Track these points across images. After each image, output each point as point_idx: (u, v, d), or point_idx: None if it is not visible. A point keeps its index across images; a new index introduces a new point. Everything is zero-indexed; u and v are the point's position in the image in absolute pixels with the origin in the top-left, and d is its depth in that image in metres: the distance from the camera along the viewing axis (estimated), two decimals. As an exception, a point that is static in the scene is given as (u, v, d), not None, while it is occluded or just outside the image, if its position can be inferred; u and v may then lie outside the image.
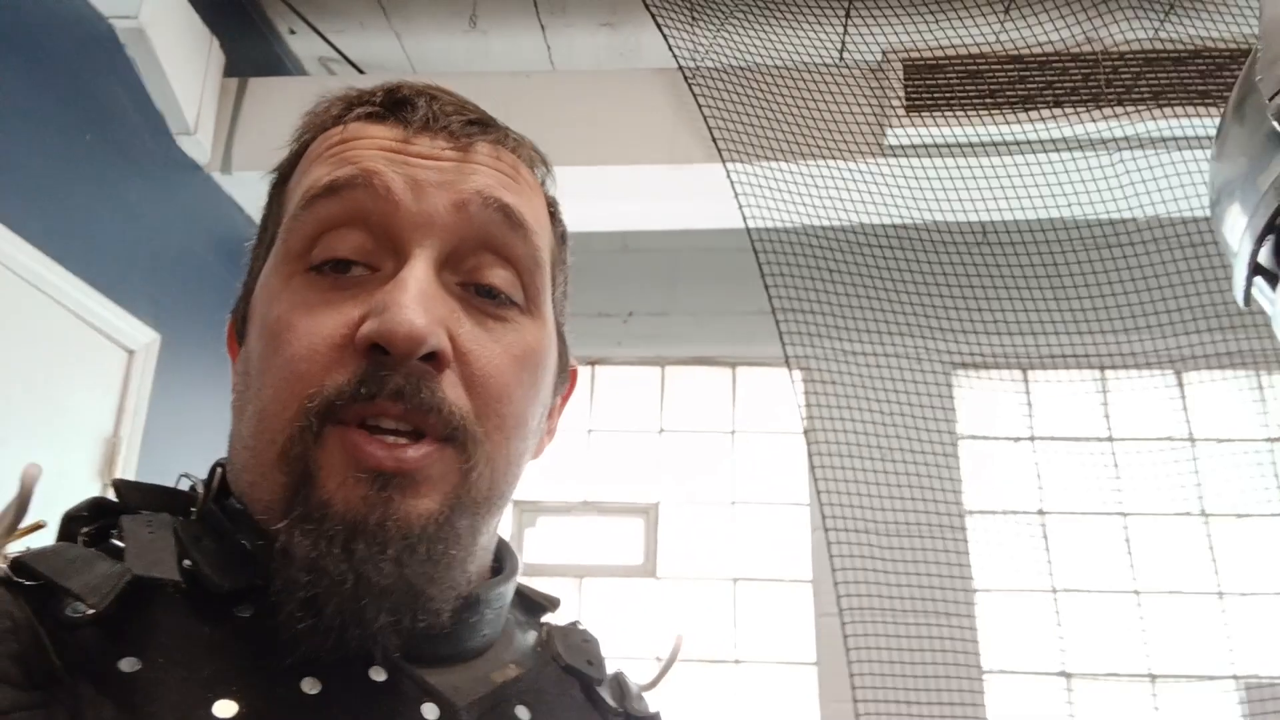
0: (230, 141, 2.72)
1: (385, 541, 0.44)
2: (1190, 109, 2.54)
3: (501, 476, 0.50)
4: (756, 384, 3.27)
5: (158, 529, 0.48)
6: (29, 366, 2.03)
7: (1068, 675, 2.82)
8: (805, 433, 2.76)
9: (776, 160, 2.58)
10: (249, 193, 2.79)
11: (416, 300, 0.46)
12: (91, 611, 0.42)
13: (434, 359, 0.47)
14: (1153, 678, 2.80)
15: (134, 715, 0.40)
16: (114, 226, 2.31)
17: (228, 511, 0.50)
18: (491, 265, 0.51)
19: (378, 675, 0.46)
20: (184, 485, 0.54)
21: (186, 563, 0.47)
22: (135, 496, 0.52)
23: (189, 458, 2.41)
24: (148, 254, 2.43)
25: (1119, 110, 2.55)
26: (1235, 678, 2.76)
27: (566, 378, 0.61)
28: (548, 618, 0.63)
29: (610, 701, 0.58)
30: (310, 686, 0.44)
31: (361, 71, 2.99)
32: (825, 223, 2.63)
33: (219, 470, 0.54)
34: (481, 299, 0.51)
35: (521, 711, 0.51)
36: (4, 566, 0.44)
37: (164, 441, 2.37)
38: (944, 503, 2.84)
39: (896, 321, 2.85)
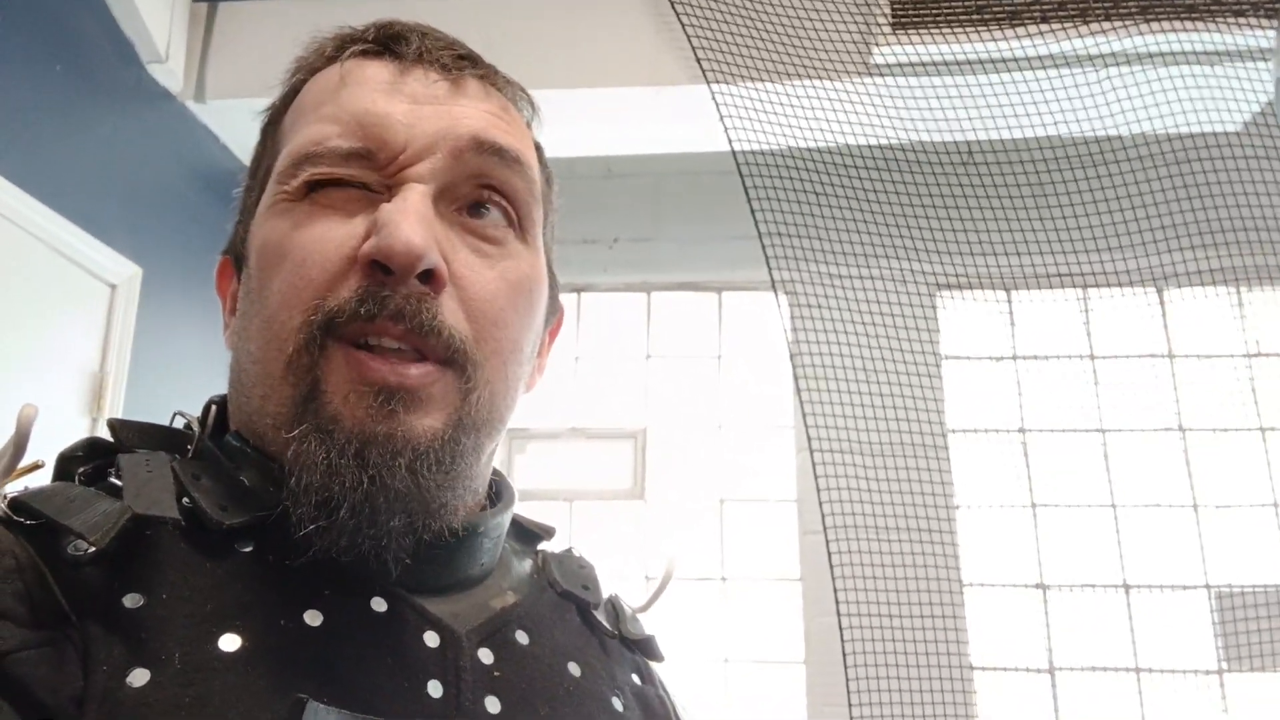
0: (203, 68, 2.66)
1: (397, 451, 0.46)
2: (1178, 23, 2.50)
3: (500, 400, 0.52)
4: (742, 309, 3.28)
5: (155, 467, 0.49)
6: (11, 304, 2.01)
7: (1044, 587, 2.90)
8: (791, 356, 2.78)
9: (761, 81, 2.54)
10: (223, 120, 2.74)
11: (414, 218, 0.47)
12: (93, 550, 0.42)
13: (431, 279, 0.48)
14: (1127, 588, 2.89)
15: (141, 650, 0.41)
16: (89, 159, 2.27)
17: (225, 448, 0.51)
18: (488, 193, 0.52)
19: (379, 605, 0.47)
20: (179, 423, 0.55)
21: (185, 500, 0.47)
22: (131, 435, 0.52)
23: (176, 390, 2.41)
24: (125, 186, 2.40)
25: (1106, 25, 2.52)
26: (1208, 586, 2.85)
27: (556, 313, 0.62)
28: (543, 545, 0.64)
29: (605, 624, 0.60)
30: (312, 619, 0.45)
31: (335, -7, 2.91)
32: (811, 144, 2.61)
33: (213, 407, 0.54)
34: (477, 223, 0.52)
35: (520, 636, 0.52)
36: (3, 506, 0.45)
37: (150, 374, 2.37)
38: (926, 422, 2.88)
39: (881, 243, 2.84)
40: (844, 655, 2.53)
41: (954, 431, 3.01)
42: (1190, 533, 2.91)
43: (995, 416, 3.07)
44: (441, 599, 0.50)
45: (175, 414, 0.55)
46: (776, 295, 2.70)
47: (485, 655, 0.49)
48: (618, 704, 0.54)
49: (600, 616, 0.60)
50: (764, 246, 2.53)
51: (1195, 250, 2.75)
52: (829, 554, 2.61)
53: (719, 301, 3.29)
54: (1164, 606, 2.87)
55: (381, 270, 0.47)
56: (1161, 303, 3.14)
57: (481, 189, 0.52)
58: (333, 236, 0.48)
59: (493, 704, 0.47)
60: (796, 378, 2.73)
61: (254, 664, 0.42)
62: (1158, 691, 2.78)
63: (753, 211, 2.50)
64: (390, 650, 0.46)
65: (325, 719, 0.41)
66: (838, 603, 2.60)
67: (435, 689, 0.46)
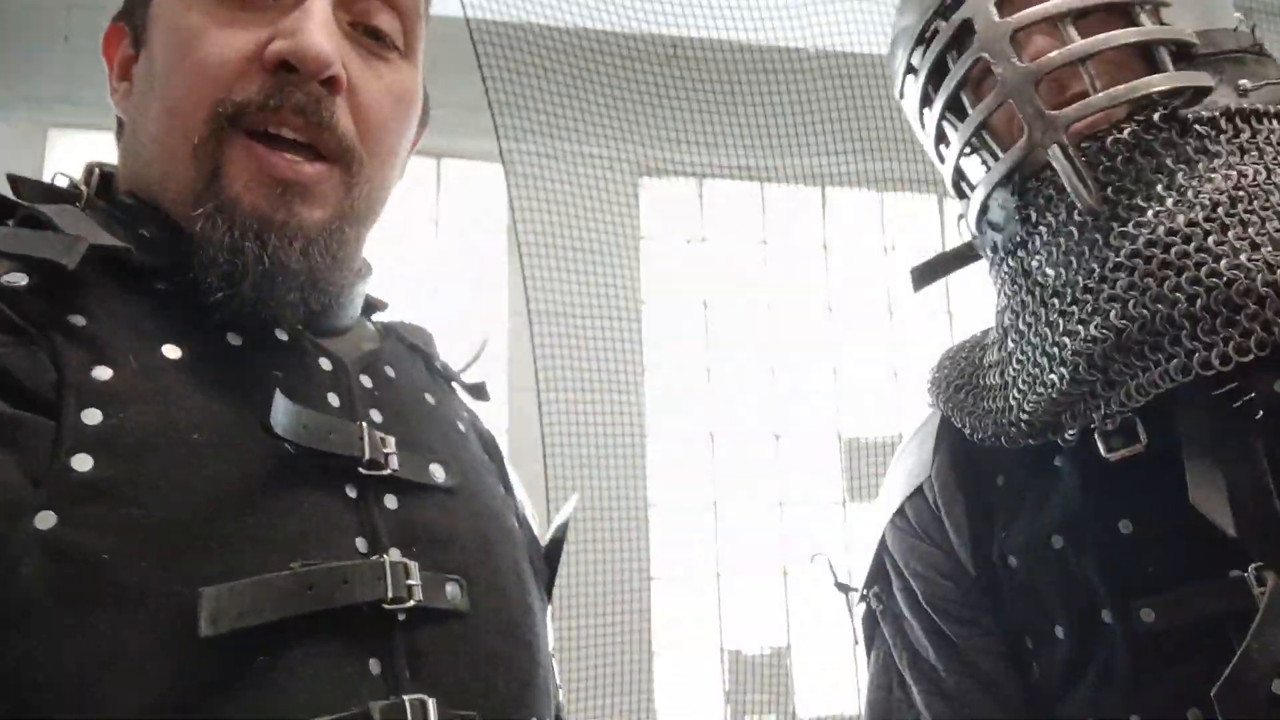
0: None
1: (291, 236, 0.55)
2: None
3: (376, 196, 0.62)
4: (461, 177, 3.35)
5: (72, 213, 0.55)
6: None
7: (713, 436, 3.39)
8: (516, 224, 2.92)
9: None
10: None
11: (323, 28, 0.55)
12: (26, 282, 0.49)
13: (332, 84, 0.56)
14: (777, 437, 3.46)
15: (100, 355, 0.49)
16: None
17: (120, 205, 0.59)
18: (379, 10, 0.60)
19: (281, 335, 0.58)
20: (61, 182, 0.61)
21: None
22: (31, 190, 0.59)
23: None
24: None
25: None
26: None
27: (425, 124, 0.71)
28: (378, 316, 0.76)
29: (443, 372, 0.74)
30: (234, 339, 0.56)
31: None
32: (540, 20, 2.71)
33: (96, 170, 0.62)
34: (369, 39, 0.60)
35: (389, 370, 0.65)
36: None
37: None
38: (625, 290, 3.19)
39: (593, 128, 3.04)
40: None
41: (645, 302, 3.36)
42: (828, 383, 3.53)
43: (683, 288, 3.46)
44: (324, 339, 0.62)
45: (56, 174, 0.61)
46: (505, 165, 2.81)
47: (366, 380, 0.62)
48: (462, 426, 0.69)
49: (439, 366, 0.74)
50: (494, 115, 2.62)
51: (853, 154, 3.23)
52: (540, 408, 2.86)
53: (438, 169, 3.34)
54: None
55: (286, 70, 0.54)
56: (824, 199, 3.66)
57: (374, 1, 0.59)
58: (237, 39, 0.55)
59: (376, 415, 0.59)
60: (520, 246, 2.88)
61: (197, 369, 0.52)
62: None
63: (484, 79, 2.57)
64: (295, 368, 0.58)
65: (289, 406, 0.52)
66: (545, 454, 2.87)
67: (334, 400, 0.58)
